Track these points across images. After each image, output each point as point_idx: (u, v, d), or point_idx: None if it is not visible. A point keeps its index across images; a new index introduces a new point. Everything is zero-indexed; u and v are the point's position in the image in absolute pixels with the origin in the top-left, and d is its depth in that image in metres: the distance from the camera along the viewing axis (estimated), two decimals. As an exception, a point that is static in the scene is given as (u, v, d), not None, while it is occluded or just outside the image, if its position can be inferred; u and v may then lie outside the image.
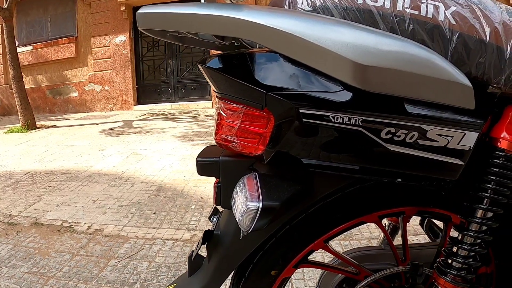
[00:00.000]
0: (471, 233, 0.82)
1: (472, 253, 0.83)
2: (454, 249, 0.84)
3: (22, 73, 7.07)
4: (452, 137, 0.73)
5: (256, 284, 0.89)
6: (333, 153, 0.73)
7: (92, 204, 3.07)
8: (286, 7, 0.76)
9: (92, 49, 8.94)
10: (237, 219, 0.69)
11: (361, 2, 0.70)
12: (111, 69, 8.85)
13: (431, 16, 0.69)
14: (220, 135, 0.76)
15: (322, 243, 0.86)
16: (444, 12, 0.69)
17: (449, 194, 0.85)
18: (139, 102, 8.97)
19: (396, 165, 0.74)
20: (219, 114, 0.76)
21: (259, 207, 0.67)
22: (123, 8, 8.57)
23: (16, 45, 7.16)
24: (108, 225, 2.64)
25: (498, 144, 0.77)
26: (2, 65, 8.38)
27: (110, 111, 8.91)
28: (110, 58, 8.85)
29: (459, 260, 0.83)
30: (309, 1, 0.72)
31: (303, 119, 0.69)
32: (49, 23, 9.37)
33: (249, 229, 0.68)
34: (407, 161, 0.73)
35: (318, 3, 0.72)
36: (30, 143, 5.72)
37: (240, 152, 0.75)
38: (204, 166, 0.81)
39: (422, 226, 1.27)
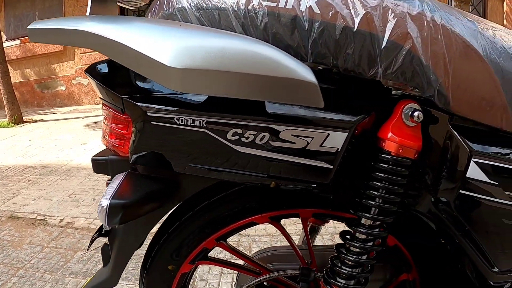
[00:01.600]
0: (356, 243, 0.77)
1: (360, 263, 0.78)
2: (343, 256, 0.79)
3: (11, 67, 7.11)
4: (312, 138, 0.68)
5: (157, 278, 0.96)
6: (188, 155, 0.72)
7: (67, 197, 3.17)
8: (149, 13, 0.77)
9: (80, 43, 8.96)
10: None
11: (216, 1, 0.66)
12: (98, 63, 8.89)
13: (290, 7, 0.63)
14: (104, 137, 0.81)
15: (214, 241, 0.91)
16: (307, 2, 0.63)
17: (340, 197, 0.82)
18: (127, 95, 9.01)
19: (253, 167, 0.71)
20: (103, 117, 0.81)
21: (107, 204, 0.70)
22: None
23: (4, 39, 7.20)
24: (79, 218, 2.75)
25: (384, 145, 0.71)
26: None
27: (98, 104, 8.97)
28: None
29: (345, 270, 0.78)
30: (170, 5, 0.71)
31: (151, 122, 0.69)
32: (36, 16, 9.36)
33: (106, 225, 0.71)
34: (264, 163, 0.70)
35: (176, 6, 0.70)
36: (16, 137, 5.80)
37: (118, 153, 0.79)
38: (97, 164, 0.85)
39: None
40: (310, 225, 1.22)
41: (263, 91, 0.59)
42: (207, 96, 0.68)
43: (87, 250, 0.92)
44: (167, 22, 0.67)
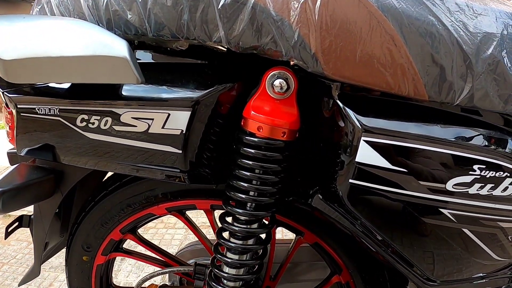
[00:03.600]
0: (231, 243, 0.70)
1: (240, 264, 0.72)
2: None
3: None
4: (152, 119, 0.63)
5: (76, 269, 0.98)
6: (57, 145, 0.71)
7: (57, 193, 3.24)
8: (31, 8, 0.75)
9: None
10: None
11: None
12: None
13: None
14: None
15: (119, 233, 0.91)
16: None
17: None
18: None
19: (109, 155, 0.68)
20: None
21: None
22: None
23: None
24: (66, 213, 2.81)
25: (247, 125, 0.62)
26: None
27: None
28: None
29: (225, 273, 0.72)
30: None
31: (21, 114, 0.69)
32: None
33: None
34: (115, 150, 0.67)
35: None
36: (16, 136, 5.91)
37: None
38: (11, 157, 0.88)
39: None
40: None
41: (78, 73, 0.56)
42: (60, 84, 0.67)
43: (4, 239, 0.93)
44: (14, 17, 0.64)
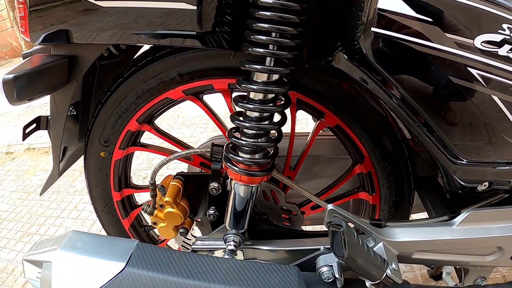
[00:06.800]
0: (251, 104, 0.69)
1: (259, 130, 0.71)
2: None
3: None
4: None
5: (94, 168, 0.98)
6: (72, 23, 0.71)
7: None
8: None
9: None
10: None
11: None
12: None
13: None
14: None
15: (135, 123, 0.90)
16: None
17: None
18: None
19: (123, 23, 0.68)
20: None
21: (2, 79, 0.71)
22: None
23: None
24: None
25: None
26: (5, 9, 8.43)
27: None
28: None
29: (244, 141, 0.72)
30: None
31: None
32: None
33: (9, 102, 0.72)
34: (130, 16, 0.67)
35: None
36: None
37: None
38: (26, 57, 0.85)
39: None
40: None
41: None
42: None
43: (22, 140, 0.93)
44: None
